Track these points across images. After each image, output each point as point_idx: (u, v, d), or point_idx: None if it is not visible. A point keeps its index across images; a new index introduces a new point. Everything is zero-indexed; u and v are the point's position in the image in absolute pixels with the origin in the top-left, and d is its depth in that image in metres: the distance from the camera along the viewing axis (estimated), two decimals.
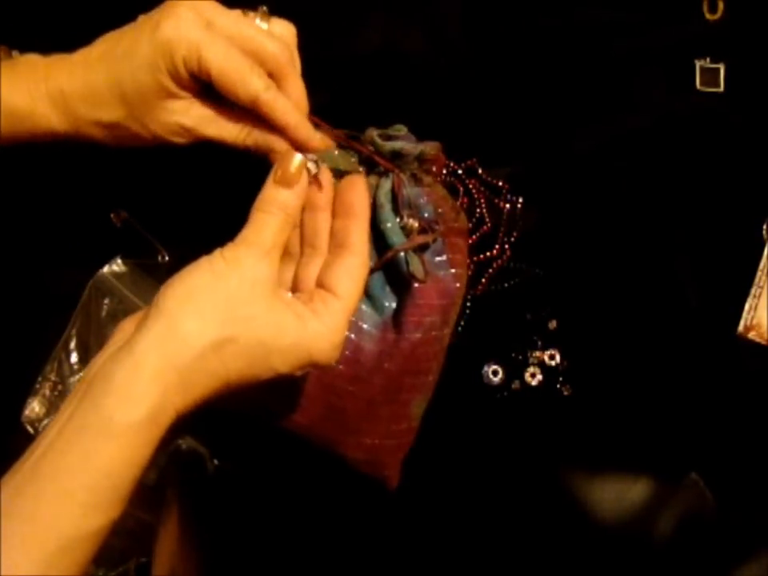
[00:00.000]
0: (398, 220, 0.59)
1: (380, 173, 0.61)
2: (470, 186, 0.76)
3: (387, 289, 0.62)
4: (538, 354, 0.74)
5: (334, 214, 0.54)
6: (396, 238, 0.59)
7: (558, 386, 0.74)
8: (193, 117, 0.57)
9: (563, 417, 0.73)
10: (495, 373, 0.74)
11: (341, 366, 0.61)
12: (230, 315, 0.47)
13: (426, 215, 0.62)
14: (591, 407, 0.73)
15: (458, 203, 0.73)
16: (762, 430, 0.73)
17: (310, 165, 0.53)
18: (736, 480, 0.72)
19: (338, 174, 0.60)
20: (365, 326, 0.61)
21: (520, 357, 0.74)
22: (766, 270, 0.74)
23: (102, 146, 0.60)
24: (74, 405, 0.46)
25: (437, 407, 0.67)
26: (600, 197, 0.77)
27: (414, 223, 0.59)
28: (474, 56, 0.79)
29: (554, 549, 0.71)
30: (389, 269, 0.60)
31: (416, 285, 0.61)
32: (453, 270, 0.63)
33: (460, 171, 0.76)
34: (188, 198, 0.74)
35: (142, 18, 0.56)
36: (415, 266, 0.57)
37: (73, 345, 0.71)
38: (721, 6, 0.78)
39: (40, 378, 0.71)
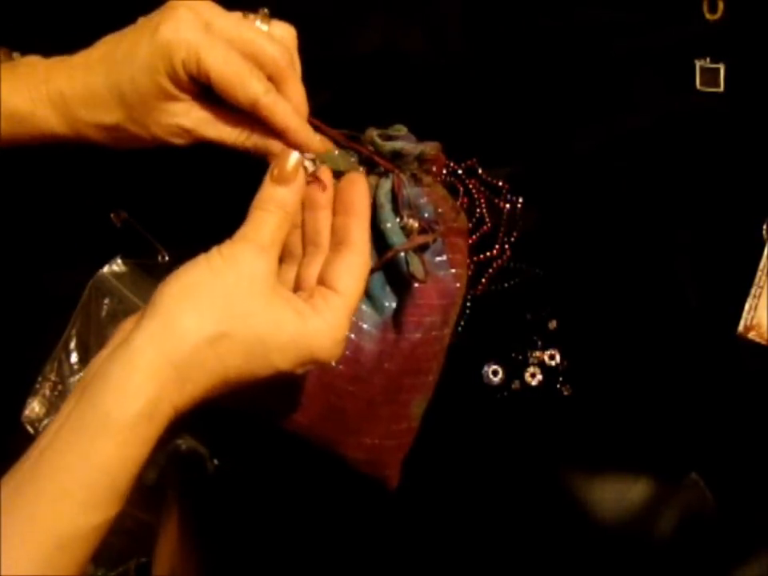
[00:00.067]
0: (398, 220, 0.59)
1: (380, 173, 0.61)
2: (470, 186, 0.76)
3: (387, 289, 0.62)
4: (537, 354, 0.74)
5: (335, 212, 0.54)
6: (396, 238, 0.59)
7: (558, 386, 0.74)
8: (192, 119, 0.57)
9: (563, 417, 0.73)
10: (495, 373, 0.74)
11: (341, 366, 0.61)
12: (227, 311, 0.47)
13: (426, 215, 0.62)
14: (591, 407, 0.73)
15: (458, 203, 0.73)
16: (762, 430, 0.73)
17: (308, 163, 0.53)
18: (736, 480, 0.72)
19: (339, 175, 0.60)
20: (365, 325, 0.61)
21: (520, 357, 0.74)
22: (766, 270, 0.74)
23: (101, 147, 0.60)
24: (72, 404, 0.46)
25: (437, 407, 0.67)
26: (600, 197, 0.77)
27: (414, 223, 0.59)
28: (474, 56, 0.79)
29: (554, 549, 0.71)
30: (389, 269, 0.60)
31: (416, 285, 0.61)
32: (453, 270, 0.63)
33: (460, 171, 0.76)
34: (188, 198, 0.74)
35: (141, 21, 0.56)
36: (415, 266, 0.57)
37: (73, 345, 0.71)
38: (721, 5, 0.78)
39: (40, 378, 0.71)
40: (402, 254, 0.58)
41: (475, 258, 0.75)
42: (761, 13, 0.78)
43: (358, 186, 0.54)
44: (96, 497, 0.44)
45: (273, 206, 0.51)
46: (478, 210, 0.76)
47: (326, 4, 0.78)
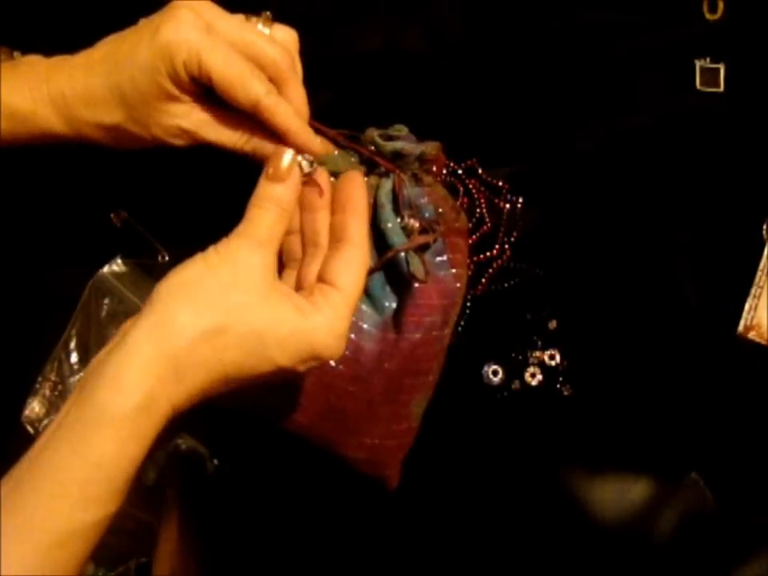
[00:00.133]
0: (398, 220, 0.59)
1: (381, 173, 0.61)
2: (470, 186, 0.76)
3: (387, 289, 0.62)
4: (538, 354, 0.74)
5: (332, 211, 0.54)
6: (397, 238, 0.59)
7: (558, 386, 0.74)
8: (193, 120, 0.57)
9: (563, 417, 0.73)
10: (495, 373, 0.74)
11: (341, 366, 0.61)
12: (223, 304, 0.47)
13: (426, 215, 0.62)
14: (591, 407, 0.73)
15: (458, 203, 0.73)
16: (762, 430, 0.73)
17: (304, 164, 0.53)
18: (736, 480, 0.72)
19: (339, 176, 0.60)
20: (365, 325, 0.61)
21: (520, 357, 0.74)
22: (766, 270, 0.74)
23: (101, 147, 0.60)
24: (71, 401, 0.46)
25: (437, 407, 0.67)
26: (600, 197, 0.77)
27: (415, 223, 0.59)
28: (474, 56, 0.79)
29: (554, 549, 0.71)
30: (389, 269, 0.60)
31: (416, 285, 0.61)
32: (453, 270, 0.63)
33: (460, 171, 0.76)
34: (187, 198, 0.74)
35: (143, 22, 0.56)
36: (416, 266, 0.57)
37: (73, 345, 0.71)
38: (721, 5, 0.78)
39: (40, 378, 0.71)
40: (403, 253, 0.58)
41: (475, 258, 0.75)
42: (761, 13, 0.78)
43: (355, 182, 0.54)
44: (92, 493, 0.44)
45: (268, 203, 0.51)
46: (478, 210, 0.76)
47: (326, 4, 0.78)
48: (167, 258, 0.73)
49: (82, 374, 0.70)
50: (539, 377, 0.74)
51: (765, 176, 0.76)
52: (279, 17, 0.61)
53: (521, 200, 0.77)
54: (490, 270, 0.75)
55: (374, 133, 0.61)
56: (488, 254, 0.76)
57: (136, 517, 0.69)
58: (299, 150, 0.56)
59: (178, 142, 0.58)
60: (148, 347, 0.46)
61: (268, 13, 0.59)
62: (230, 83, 0.54)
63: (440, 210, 0.63)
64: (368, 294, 0.61)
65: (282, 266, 0.55)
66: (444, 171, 0.75)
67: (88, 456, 0.44)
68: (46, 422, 0.70)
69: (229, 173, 0.65)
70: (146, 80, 0.54)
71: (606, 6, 0.79)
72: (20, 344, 0.71)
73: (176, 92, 0.55)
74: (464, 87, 0.78)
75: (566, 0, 0.79)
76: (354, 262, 0.52)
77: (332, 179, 0.57)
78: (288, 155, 0.52)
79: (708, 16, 0.79)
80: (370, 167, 0.61)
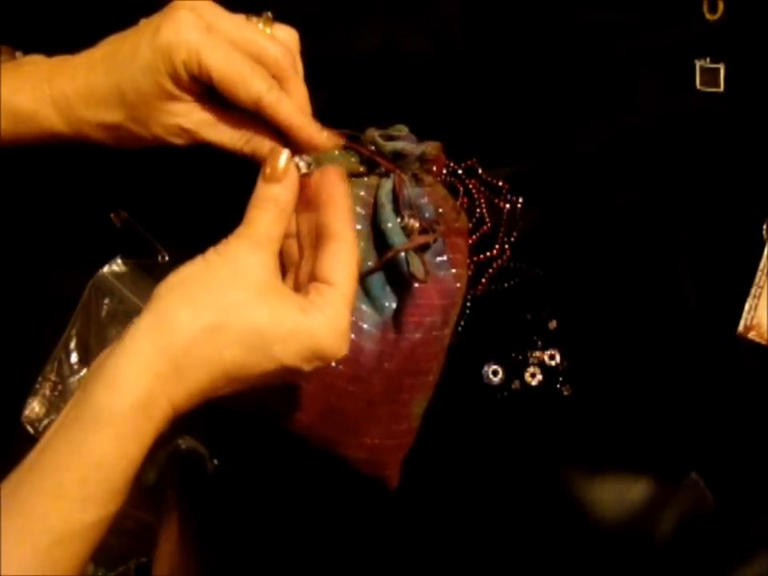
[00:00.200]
0: (398, 220, 0.59)
1: (381, 173, 0.61)
2: (470, 186, 0.76)
3: (387, 289, 0.62)
4: (538, 354, 0.74)
5: (315, 209, 0.54)
6: (397, 238, 0.59)
7: (558, 386, 0.74)
8: (193, 120, 0.57)
9: (563, 417, 0.73)
10: (495, 373, 0.74)
11: (341, 366, 0.61)
12: (222, 302, 0.47)
13: (426, 215, 0.62)
14: (591, 407, 0.73)
15: (458, 203, 0.73)
16: (762, 430, 0.73)
17: (302, 164, 0.53)
18: (736, 480, 0.72)
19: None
20: (365, 325, 0.61)
21: (520, 357, 0.74)
22: (766, 270, 0.74)
23: (102, 146, 0.60)
24: (71, 402, 0.46)
25: (437, 407, 0.67)
26: (600, 197, 0.77)
27: (415, 223, 0.59)
28: (474, 56, 0.79)
29: (554, 549, 0.71)
30: (389, 269, 0.60)
31: (416, 285, 0.61)
32: (454, 270, 0.63)
33: (460, 171, 0.76)
34: (187, 198, 0.74)
35: (143, 22, 0.57)
36: (416, 266, 0.57)
37: (73, 345, 0.71)
38: (721, 6, 0.78)
39: (40, 378, 0.71)
40: (403, 253, 0.58)
41: (475, 258, 0.75)
42: (761, 13, 0.78)
43: (332, 176, 0.54)
44: (91, 493, 0.44)
45: (266, 204, 0.51)
46: (478, 210, 0.76)
47: (326, 4, 0.78)
48: (167, 258, 0.73)
49: (82, 374, 0.71)
50: (539, 377, 0.74)
51: (765, 176, 0.76)
52: (279, 16, 0.61)
53: (521, 200, 0.77)
54: (490, 270, 0.75)
55: (374, 133, 0.61)
56: (488, 253, 0.76)
57: (136, 517, 0.69)
58: (306, 146, 0.56)
59: (178, 141, 0.58)
60: (147, 345, 0.46)
61: (269, 13, 0.59)
62: (230, 81, 0.54)
63: (440, 210, 0.63)
64: (368, 293, 0.61)
65: (283, 270, 0.55)
66: (444, 171, 0.75)
67: (87, 456, 0.44)
68: (46, 422, 0.70)
69: (229, 173, 0.65)
70: (147, 79, 0.55)
71: (605, 5, 0.79)
72: (20, 344, 0.71)
73: (176, 91, 0.56)
74: (464, 87, 0.78)
75: (565, 0, 0.79)
76: (343, 256, 0.52)
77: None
78: (284, 155, 0.52)
79: (708, 16, 0.79)
80: (370, 167, 0.61)
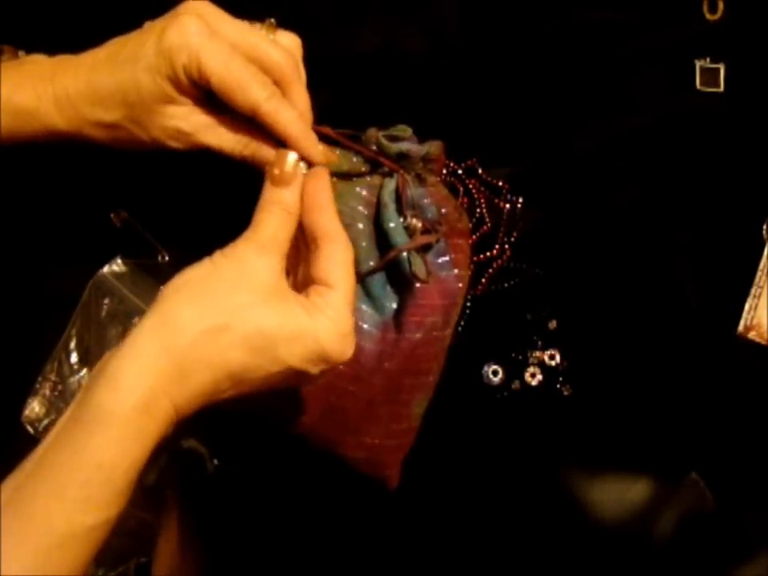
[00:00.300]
0: (401, 220, 0.59)
1: (384, 173, 0.61)
2: (470, 186, 0.76)
3: (388, 289, 0.62)
4: (538, 354, 0.74)
5: (302, 212, 0.54)
6: (399, 238, 0.59)
7: (558, 386, 0.74)
8: (191, 123, 0.57)
9: (563, 417, 0.73)
10: (495, 373, 0.74)
11: (341, 366, 0.61)
12: (227, 304, 0.47)
13: (429, 216, 0.62)
14: (591, 407, 0.73)
15: (459, 203, 0.73)
16: (762, 430, 0.73)
17: (302, 165, 0.53)
18: (736, 480, 0.72)
19: (342, 176, 0.60)
20: (365, 325, 0.61)
21: (520, 357, 0.74)
22: (766, 270, 0.74)
23: (101, 146, 0.60)
24: (74, 402, 0.46)
25: (437, 407, 0.67)
26: (600, 197, 0.77)
27: (418, 224, 0.59)
28: (474, 56, 0.79)
29: (554, 549, 0.71)
30: (391, 269, 0.60)
31: (418, 285, 0.61)
32: (456, 271, 0.63)
33: (460, 171, 0.76)
34: (188, 198, 0.73)
35: (147, 25, 0.57)
36: (417, 266, 0.57)
37: (73, 345, 0.71)
38: (721, 5, 0.78)
39: (40, 378, 0.71)
40: (405, 253, 0.58)
41: (475, 258, 0.75)
42: (761, 13, 0.78)
43: (316, 179, 0.54)
44: (92, 495, 0.44)
45: (273, 207, 0.51)
46: (478, 210, 0.76)
47: (326, 4, 0.78)
48: (167, 258, 0.73)
49: (82, 374, 0.71)
50: (539, 377, 0.74)
51: (765, 176, 0.76)
52: (280, 16, 0.61)
53: (521, 200, 0.77)
54: (490, 270, 0.75)
55: (378, 133, 0.61)
56: (488, 253, 0.76)
57: (136, 516, 0.69)
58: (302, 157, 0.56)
59: (176, 144, 0.58)
60: (150, 346, 0.46)
61: (272, 20, 0.59)
62: (229, 87, 0.54)
63: (443, 211, 0.63)
64: (369, 294, 0.61)
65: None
66: (444, 171, 0.75)
67: (89, 457, 0.44)
68: (46, 422, 0.70)
69: (229, 173, 0.65)
70: (148, 80, 0.55)
71: (605, 5, 0.79)
72: (20, 344, 0.71)
73: (176, 94, 0.56)
74: (464, 87, 0.78)
75: (565, 0, 0.79)
76: (338, 257, 0.52)
77: (333, 178, 0.57)
78: (292, 157, 0.53)
79: (708, 16, 0.79)
80: (373, 167, 0.61)
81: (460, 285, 0.63)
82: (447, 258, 0.63)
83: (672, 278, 0.75)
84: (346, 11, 0.78)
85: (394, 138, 0.61)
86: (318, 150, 0.57)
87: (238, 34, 0.56)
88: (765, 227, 0.75)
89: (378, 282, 0.61)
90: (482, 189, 0.77)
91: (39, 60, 0.60)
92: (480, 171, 0.77)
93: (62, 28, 0.72)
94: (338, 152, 0.60)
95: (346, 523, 0.71)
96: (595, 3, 0.79)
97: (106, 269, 0.72)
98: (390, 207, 0.59)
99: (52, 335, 0.71)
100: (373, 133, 0.61)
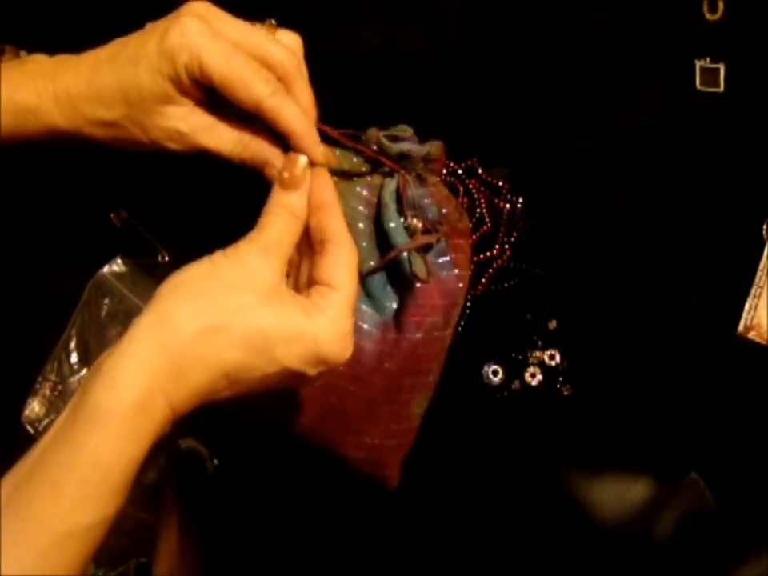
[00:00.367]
0: (402, 220, 0.59)
1: (384, 173, 0.61)
2: (470, 186, 0.76)
3: (388, 289, 0.62)
4: (538, 354, 0.74)
5: (309, 214, 0.53)
6: (400, 238, 0.59)
7: (558, 386, 0.74)
8: (190, 124, 0.57)
9: (563, 417, 0.73)
10: (495, 373, 0.74)
11: (341, 366, 0.61)
12: (225, 304, 0.47)
13: (430, 216, 0.62)
14: (591, 407, 0.73)
15: (459, 203, 0.73)
16: (762, 430, 0.73)
17: (302, 158, 0.53)
18: (736, 480, 0.72)
19: (342, 175, 0.60)
20: (365, 325, 0.61)
21: (520, 357, 0.74)
22: (766, 270, 0.74)
23: (100, 146, 0.60)
24: (71, 402, 0.46)
25: (437, 407, 0.67)
26: (600, 197, 0.77)
27: (418, 224, 0.59)
28: (474, 56, 0.79)
29: (554, 549, 0.71)
30: (391, 269, 0.60)
31: (418, 285, 0.61)
32: (456, 271, 0.63)
33: (460, 171, 0.76)
34: (188, 198, 0.73)
35: (149, 26, 0.57)
36: (418, 266, 0.57)
37: (73, 345, 0.71)
38: (721, 5, 0.78)
39: (40, 378, 0.71)
40: (405, 253, 0.58)
41: (475, 258, 0.75)
42: (761, 13, 0.78)
43: (321, 180, 0.54)
44: (87, 492, 0.44)
45: (280, 210, 0.51)
46: (478, 210, 0.76)
47: (326, 4, 0.78)
48: (167, 258, 0.73)
49: (82, 374, 0.71)
50: (539, 377, 0.74)
51: (765, 176, 0.76)
52: (280, 16, 0.61)
53: (521, 200, 0.77)
54: (490, 270, 0.75)
55: (378, 133, 0.61)
56: (488, 253, 0.76)
57: (136, 516, 0.69)
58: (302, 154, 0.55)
59: (174, 146, 0.58)
60: (146, 344, 0.46)
61: (272, 20, 0.59)
62: (231, 84, 0.54)
63: (444, 211, 0.63)
64: (369, 294, 0.61)
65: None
66: (444, 171, 0.75)
67: (85, 456, 0.44)
68: (46, 422, 0.70)
69: (229, 173, 0.65)
70: (149, 80, 0.55)
71: (605, 5, 0.79)
72: (20, 344, 0.71)
73: (176, 95, 0.56)
74: (463, 87, 0.78)
75: (565, 0, 0.79)
76: (343, 260, 0.52)
77: (334, 178, 0.57)
78: (302, 161, 0.53)
79: (708, 16, 0.79)
80: (373, 166, 0.61)
81: (460, 285, 0.63)
82: (448, 258, 0.63)
83: (672, 278, 0.75)
84: (345, 11, 0.78)
85: (395, 138, 0.61)
86: (319, 149, 0.57)
87: (240, 34, 0.56)
88: (765, 227, 0.75)
89: (379, 281, 0.61)
90: (482, 189, 0.77)
91: (40, 60, 0.60)
92: (480, 171, 0.77)
93: (63, 29, 0.72)
94: (337, 152, 0.60)
95: (345, 523, 0.71)
96: (595, 3, 0.79)
97: (105, 269, 0.72)
98: (391, 207, 0.59)
99: (52, 335, 0.71)
100: (373, 133, 0.61)
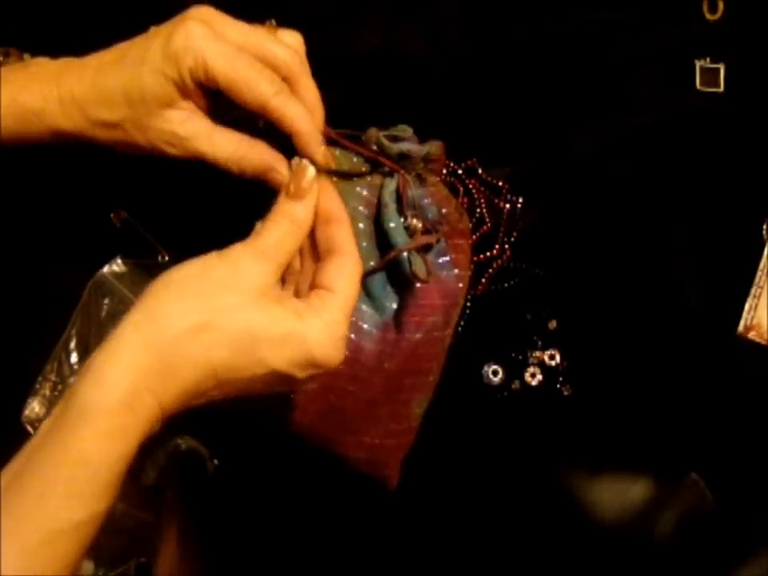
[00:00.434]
0: (402, 220, 0.59)
1: (384, 172, 0.61)
2: (470, 186, 0.76)
3: (388, 289, 0.62)
4: (538, 354, 0.74)
5: (315, 224, 0.54)
6: (399, 238, 0.59)
7: (558, 386, 0.74)
8: (188, 129, 0.57)
9: (563, 417, 0.73)
10: (495, 373, 0.74)
11: (341, 366, 0.61)
12: (213, 303, 0.47)
13: (429, 216, 0.62)
14: (591, 407, 0.73)
15: (459, 203, 0.73)
16: (762, 430, 0.73)
17: (304, 162, 0.53)
18: (736, 480, 0.72)
19: (342, 175, 0.60)
20: (365, 325, 0.61)
21: (520, 357, 0.74)
22: (766, 270, 0.74)
23: (101, 148, 0.60)
24: (62, 400, 0.46)
25: (437, 407, 0.67)
26: (600, 197, 0.77)
27: (418, 224, 0.59)
28: (474, 56, 0.79)
29: (554, 549, 0.71)
30: (391, 269, 0.60)
31: (418, 285, 0.61)
32: (456, 271, 0.63)
33: (460, 171, 0.76)
34: (188, 198, 0.73)
35: (153, 30, 0.57)
36: (418, 266, 0.57)
37: (73, 345, 0.71)
38: (721, 5, 0.78)
39: (40, 378, 0.71)
40: (405, 253, 0.58)
41: (475, 258, 0.75)
42: (761, 13, 0.78)
43: (328, 193, 0.54)
44: (75, 490, 0.44)
45: (282, 218, 0.51)
46: (478, 210, 0.76)
47: (326, 4, 0.78)
48: (167, 258, 0.73)
49: None
50: (539, 377, 0.74)
51: (765, 176, 0.76)
52: (280, 16, 0.61)
53: (521, 200, 0.77)
54: (490, 270, 0.75)
55: (378, 133, 0.61)
56: (488, 253, 0.76)
57: (136, 517, 0.69)
58: (302, 154, 0.56)
59: (172, 150, 0.58)
60: (133, 341, 0.46)
61: (272, 21, 0.59)
62: (236, 85, 0.54)
63: (444, 211, 0.63)
64: (369, 294, 0.61)
65: (283, 281, 0.55)
66: (444, 171, 0.75)
67: (73, 453, 0.44)
68: None
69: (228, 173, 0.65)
70: (152, 82, 0.55)
71: (605, 5, 0.79)
72: (20, 344, 0.71)
73: (178, 98, 0.56)
74: (464, 87, 0.78)
75: (565, 0, 0.79)
76: (347, 270, 0.52)
77: (333, 178, 0.57)
78: (311, 171, 0.53)
79: (708, 16, 0.79)
80: (373, 166, 0.61)
81: (460, 285, 0.63)
82: (448, 258, 0.63)
83: (672, 278, 0.75)
84: (346, 11, 0.78)
85: (395, 138, 0.61)
86: (320, 150, 0.57)
87: (243, 35, 0.56)
88: (765, 227, 0.75)
89: (379, 282, 0.61)
90: (482, 189, 0.77)
91: (44, 62, 0.60)
92: (480, 171, 0.77)
93: (66, 32, 0.72)
94: (337, 152, 0.60)
95: (345, 523, 0.71)
96: (595, 3, 0.79)
97: (106, 269, 0.72)
98: (391, 207, 0.59)
99: (52, 335, 0.71)
100: (373, 133, 0.61)
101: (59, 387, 0.71)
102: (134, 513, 0.69)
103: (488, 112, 0.78)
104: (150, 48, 0.55)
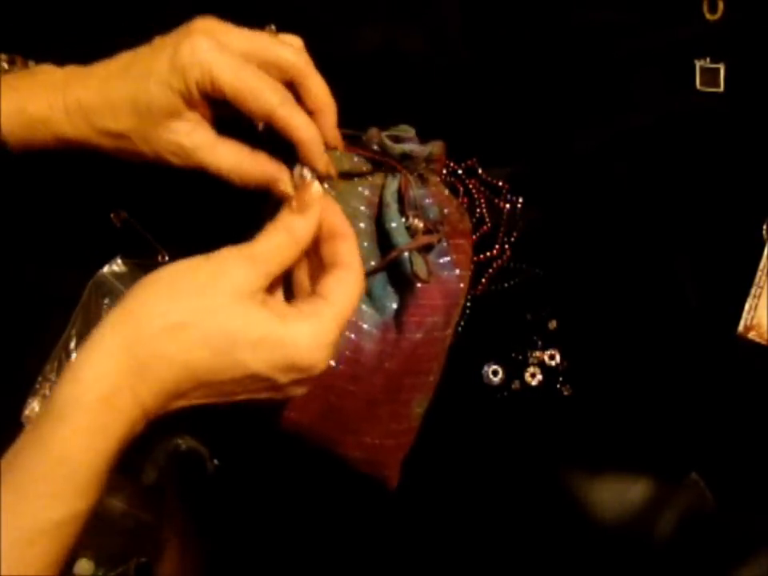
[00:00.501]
0: (403, 220, 0.59)
1: (386, 173, 0.61)
2: (470, 186, 0.76)
3: (389, 289, 0.62)
4: (538, 354, 0.74)
5: (319, 239, 0.53)
6: (401, 238, 0.59)
7: (558, 386, 0.74)
8: (193, 140, 0.58)
9: (563, 417, 0.73)
10: (495, 373, 0.74)
11: (341, 366, 0.61)
12: (193, 303, 0.47)
13: (431, 216, 0.62)
14: (591, 407, 0.73)
15: (460, 204, 0.74)
16: (762, 430, 0.73)
17: (305, 172, 0.54)
18: (736, 480, 0.72)
19: (343, 175, 0.60)
20: (365, 325, 0.61)
21: (520, 357, 0.74)
22: (766, 270, 0.74)
23: (105, 155, 0.60)
24: (47, 398, 0.46)
25: (437, 407, 0.67)
26: (600, 197, 0.77)
27: (420, 224, 0.59)
28: (474, 56, 0.79)
29: (554, 549, 0.71)
30: (392, 269, 0.61)
31: (419, 285, 0.61)
32: (457, 271, 0.63)
33: (460, 171, 0.76)
34: (187, 198, 0.73)
35: (158, 41, 0.57)
36: (419, 266, 0.57)
37: (73, 345, 0.71)
38: (721, 5, 0.78)
39: (40, 378, 0.71)
40: (406, 253, 0.58)
41: (475, 258, 0.75)
42: (761, 13, 0.78)
43: (331, 208, 0.54)
44: (55, 488, 0.44)
45: (279, 229, 0.51)
46: (478, 210, 0.76)
47: (326, 4, 0.78)
48: (167, 258, 0.73)
49: None
50: (539, 377, 0.74)
51: (765, 176, 0.76)
52: (280, 16, 0.61)
53: (521, 200, 0.77)
54: (490, 270, 0.75)
55: (380, 134, 0.61)
56: (488, 253, 0.76)
57: (136, 517, 0.69)
58: (305, 162, 0.56)
59: (176, 160, 0.58)
60: (112, 339, 0.46)
61: (273, 26, 0.60)
62: (242, 96, 0.55)
63: (445, 211, 0.63)
64: (369, 294, 0.62)
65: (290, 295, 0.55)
66: (444, 171, 0.75)
67: (52, 450, 0.44)
68: None
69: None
70: (159, 94, 0.55)
71: (605, 5, 0.79)
72: (20, 344, 0.71)
73: (184, 109, 0.56)
74: (464, 87, 0.78)
75: (565, 0, 0.79)
76: (347, 281, 0.52)
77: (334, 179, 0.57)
78: (316, 186, 0.53)
79: (708, 16, 0.79)
80: (374, 166, 0.61)
81: (461, 285, 0.64)
82: (449, 259, 0.63)
83: (672, 278, 0.75)
84: (346, 11, 0.78)
85: (397, 139, 0.61)
86: (323, 158, 0.57)
87: (247, 42, 0.56)
88: (765, 227, 0.75)
89: (379, 281, 0.61)
90: (482, 189, 0.77)
91: (51, 70, 0.60)
92: (480, 171, 0.77)
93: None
94: (338, 152, 0.60)
95: (345, 523, 0.71)
96: (595, 3, 0.79)
97: (106, 269, 0.72)
98: (392, 207, 0.60)
99: (52, 335, 0.71)
100: (375, 133, 0.61)
101: None
102: (134, 513, 0.69)
103: (488, 112, 0.78)
104: (157, 60, 0.55)
